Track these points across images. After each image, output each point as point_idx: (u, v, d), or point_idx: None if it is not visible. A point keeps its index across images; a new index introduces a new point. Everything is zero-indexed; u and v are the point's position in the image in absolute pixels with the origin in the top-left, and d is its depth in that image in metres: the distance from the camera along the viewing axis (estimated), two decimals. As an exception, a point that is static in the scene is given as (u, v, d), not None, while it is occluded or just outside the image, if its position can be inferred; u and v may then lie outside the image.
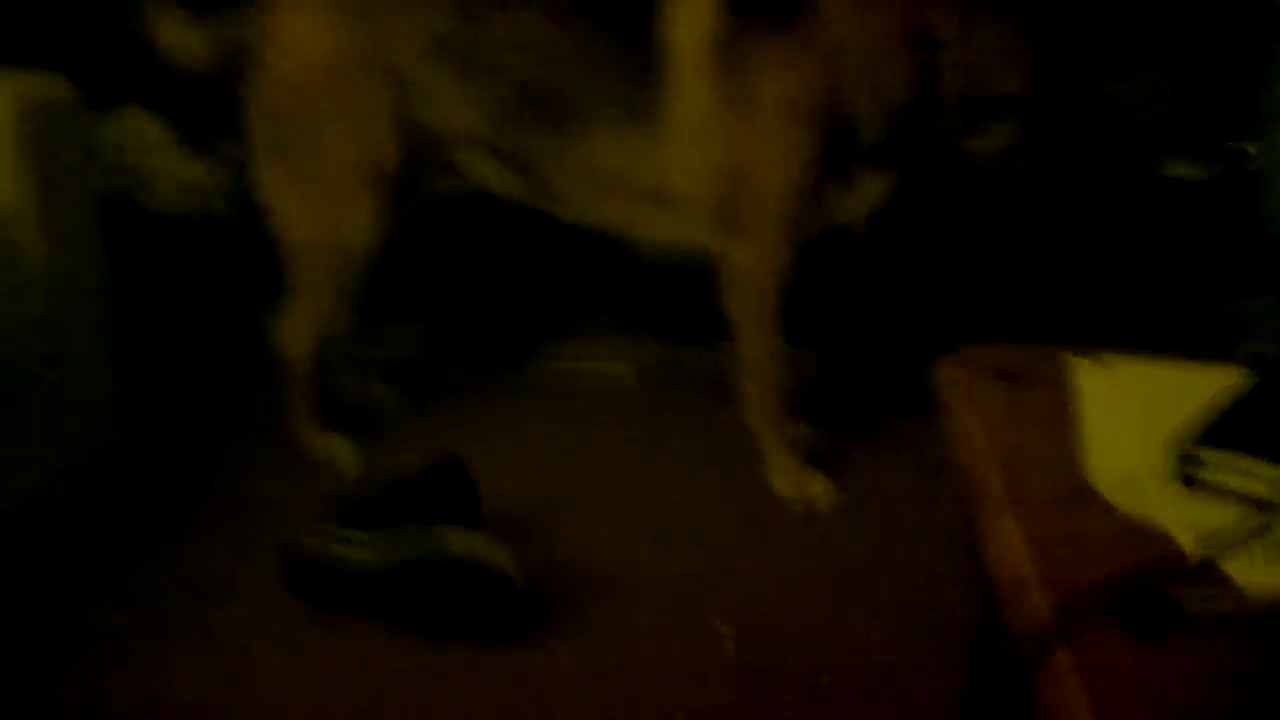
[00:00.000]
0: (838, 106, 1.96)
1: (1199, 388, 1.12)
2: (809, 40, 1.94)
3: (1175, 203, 2.68)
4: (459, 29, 2.02)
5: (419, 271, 2.59)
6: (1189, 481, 1.01)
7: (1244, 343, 2.53)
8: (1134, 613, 0.86)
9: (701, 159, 1.99)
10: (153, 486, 2.14)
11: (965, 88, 1.99)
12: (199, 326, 2.68)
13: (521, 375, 2.63)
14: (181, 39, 2.10)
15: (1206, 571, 0.89)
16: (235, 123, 2.35)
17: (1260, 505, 0.96)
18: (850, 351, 2.62)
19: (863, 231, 2.14)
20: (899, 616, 1.81)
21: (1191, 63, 2.67)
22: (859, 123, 1.98)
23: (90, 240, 2.12)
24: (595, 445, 2.34)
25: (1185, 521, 0.95)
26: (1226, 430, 1.04)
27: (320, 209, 2.09)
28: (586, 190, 2.09)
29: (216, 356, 2.59)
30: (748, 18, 1.96)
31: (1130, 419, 1.12)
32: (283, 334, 2.18)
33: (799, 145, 1.96)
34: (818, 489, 2.13)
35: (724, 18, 1.96)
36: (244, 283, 2.57)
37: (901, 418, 2.38)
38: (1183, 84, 2.67)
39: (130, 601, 1.81)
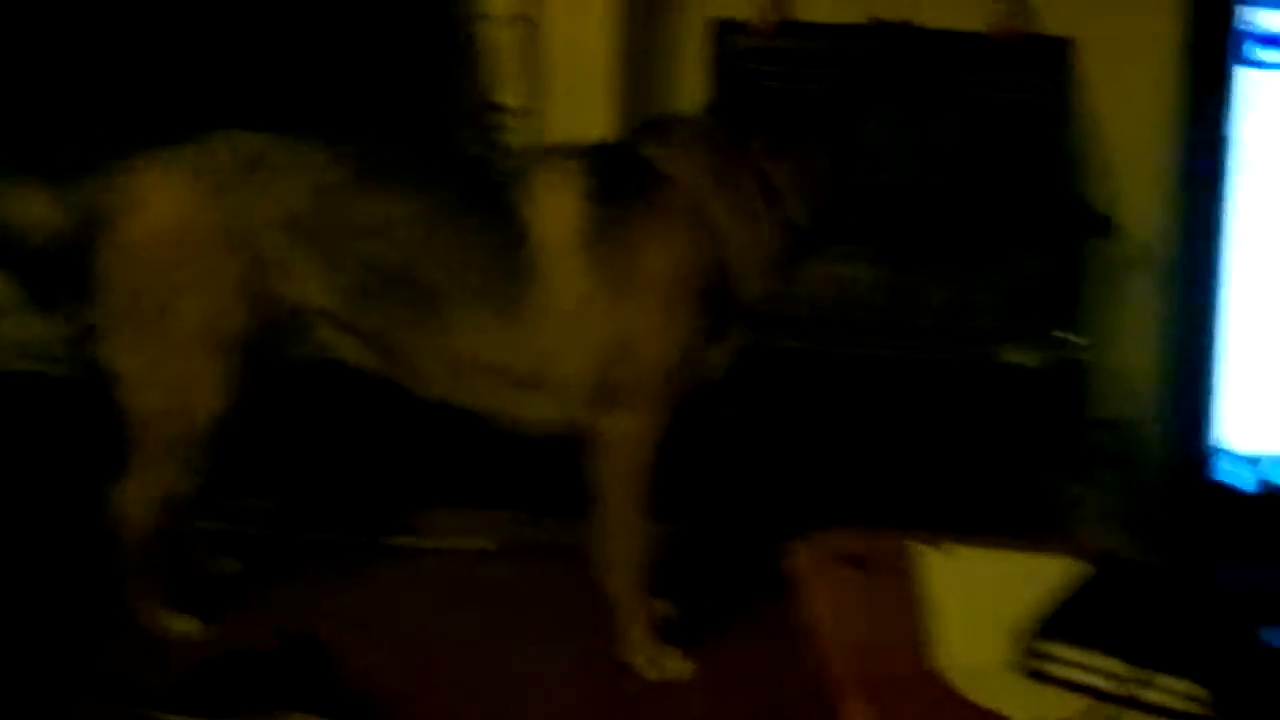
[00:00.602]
0: (714, 271, 2.03)
1: (1041, 576, 1.18)
2: (673, 212, 2.01)
3: (1010, 388, 2.83)
4: (316, 210, 2.04)
5: (270, 442, 2.55)
6: (1035, 674, 1.05)
7: (1072, 523, 2.66)
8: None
9: (578, 343, 2.02)
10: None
11: (810, 223, 2.09)
12: (34, 492, 2.58)
13: (378, 549, 2.58)
14: (37, 212, 2.07)
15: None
16: (81, 284, 2.33)
17: (1102, 697, 1.00)
18: (706, 527, 2.65)
19: (718, 379, 2.17)
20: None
21: (1020, 258, 2.87)
22: (737, 282, 2.05)
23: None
24: (454, 620, 2.31)
25: (1031, 714, 0.99)
26: (1068, 623, 1.10)
27: (167, 376, 2.06)
28: (450, 375, 2.10)
29: (53, 524, 2.49)
30: (611, 201, 2.02)
31: (975, 608, 1.18)
32: (123, 503, 2.11)
33: (681, 317, 2.01)
34: (674, 664, 2.13)
35: (587, 204, 2.02)
36: (84, 448, 2.50)
37: (756, 594, 2.41)
38: (1014, 277, 2.86)
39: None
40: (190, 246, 2.03)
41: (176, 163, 2.07)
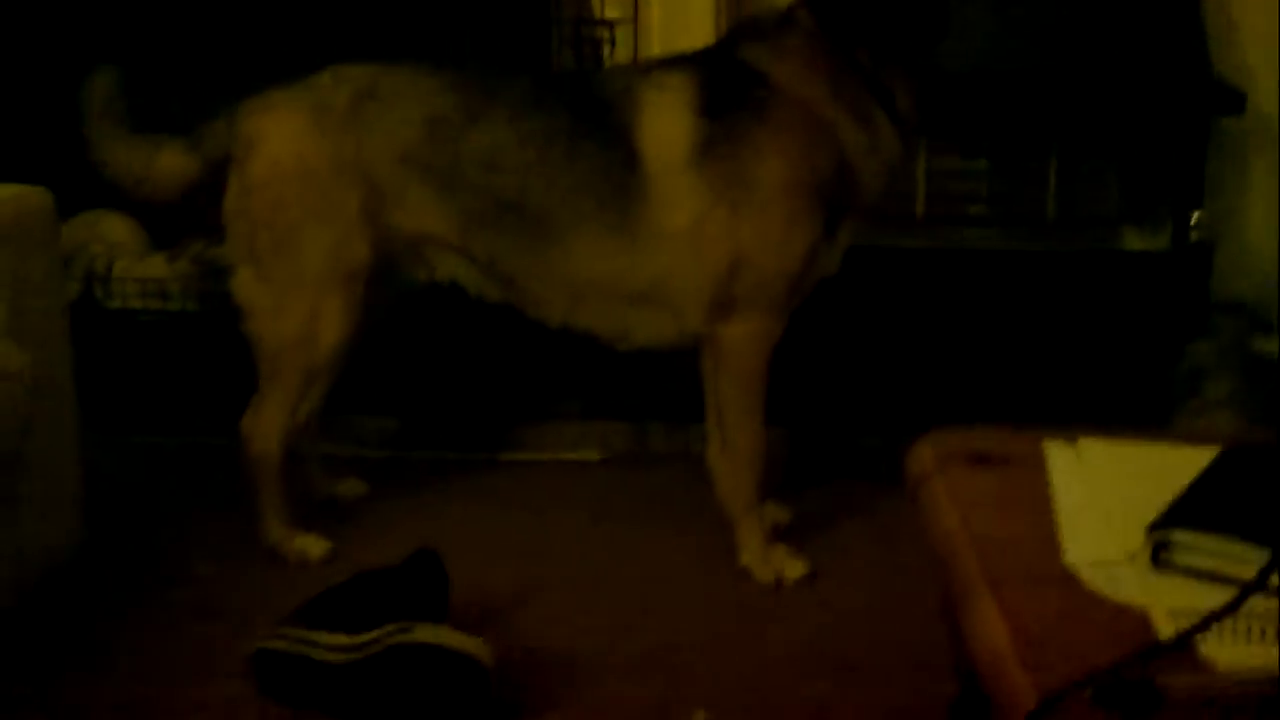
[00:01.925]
0: (830, 175, 1.99)
1: (1171, 467, 1.14)
2: (784, 120, 1.98)
3: (1134, 274, 2.73)
4: (427, 141, 2.06)
5: (387, 364, 2.60)
6: (1163, 563, 1.02)
7: (1196, 407, 2.57)
8: (1115, 695, 0.86)
9: (696, 259, 2.01)
10: (122, 587, 2.11)
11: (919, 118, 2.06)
12: (166, 425, 2.67)
13: (491, 463, 2.63)
14: (175, 165, 2.16)
15: (1185, 652, 0.90)
16: (202, 222, 2.38)
17: (1233, 584, 0.97)
18: (817, 425, 2.63)
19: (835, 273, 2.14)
20: (877, 692, 1.80)
21: (1137, 137, 2.75)
22: (853, 184, 2.02)
23: (62, 343, 2.13)
24: (565, 530, 2.34)
25: (1162, 603, 0.96)
26: (1196, 510, 1.06)
27: (294, 307, 2.11)
28: (569, 299, 2.11)
29: (185, 455, 2.58)
30: (720, 114, 1.99)
31: (1104, 501, 1.14)
32: (253, 430, 2.17)
33: (801, 226, 2.00)
34: (790, 566, 2.13)
35: (696, 120, 2.00)
36: (212, 381, 2.57)
37: (869, 489, 2.40)
38: (1130, 158, 2.75)
39: (100, 709, 1.77)
40: (309, 182, 2.08)
41: (291, 101, 2.11)
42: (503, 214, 2.06)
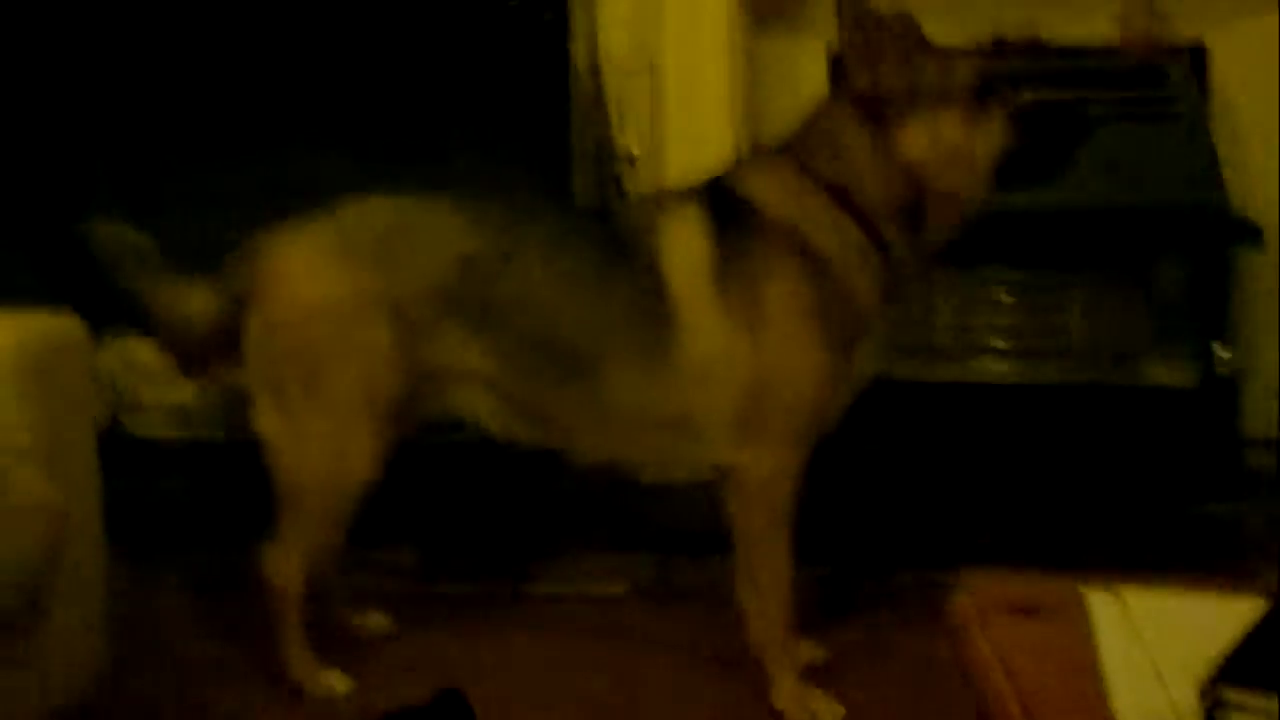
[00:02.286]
0: (831, 297, 1.99)
1: (1220, 617, 1.12)
2: (777, 245, 1.99)
3: (1160, 409, 2.73)
4: (461, 280, 2.07)
5: (411, 494, 2.59)
6: (1217, 723, 1.00)
7: (1234, 549, 2.54)
8: None
9: (721, 383, 2.01)
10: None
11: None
12: (188, 555, 2.66)
13: (515, 596, 2.60)
14: (199, 305, 2.15)
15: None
16: (228, 351, 2.39)
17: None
18: (852, 566, 2.61)
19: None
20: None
21: (1159, 271, 2.77)
22: (855, 310, 2.01)
23: (90, 472, 2.12)
24: (590, 668, 2.28)
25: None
26: (1248, 665, 1.04)
27: (320, 445, 2.10)
28: (600, 431, 2.11)
29: (208, 586, 2.56)
30: (735, 236, 2.01)
31: (1151, 655, 1.12)
32: (275, 565, 2.15)
33: (814, 349, 1.99)
34: (825, 709, 2.08)
35: (711, 246, 2.01)
36: (234, 511, 2.57)
37: (900, 627, 2.36)
38: (1161, 291, 2.77)
39: None
40: (336, 319, 2.07)
41: (317, 235, 2.12)
42: (536, 351, 2.07)
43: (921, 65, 1.95)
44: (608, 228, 2.16)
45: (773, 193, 2.01)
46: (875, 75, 1.94)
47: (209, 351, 2.20)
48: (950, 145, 1.96)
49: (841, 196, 1.99)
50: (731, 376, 2.00)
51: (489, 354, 2.09)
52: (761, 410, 2.01)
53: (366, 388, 2.09)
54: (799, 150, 2.03)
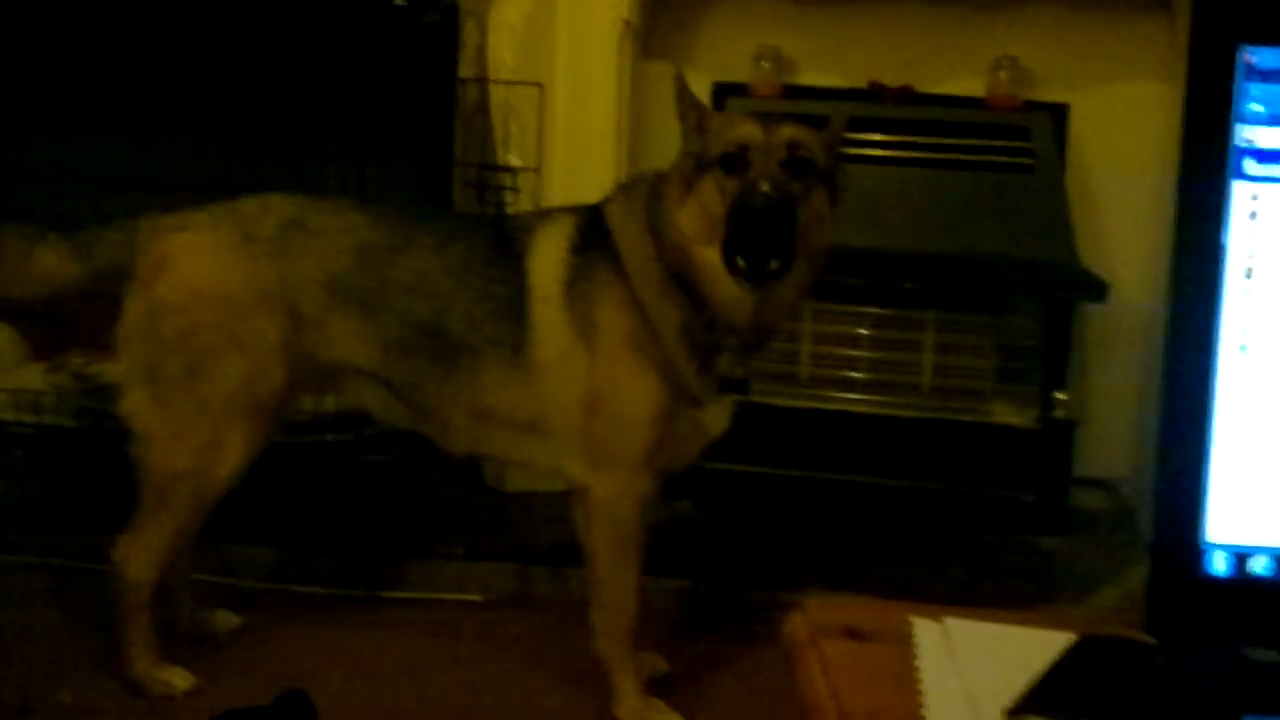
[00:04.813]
0: (671, 337, 2.01)
1: (1033, 650, 1.19)
2: (616, 271, 2.03)
3: (1001, 447, 2.86)
4: (358, 269, 2.09)
5: (268, 492, 2.57)
6: (1017, 749, 1.07)
7: (1060, 583, 2.67)
8: None
9: (565, 389, 2.06)
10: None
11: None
12: (32, 543, 2.59)
13: (371, 600, 2.59)
14: (51, 263, 2.10)
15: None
16: (86, 337, 2.34)
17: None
18: (699, 581, 2.66)
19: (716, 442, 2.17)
20: None
21: (1010, 317, 2.91)
22: (671, 351, 2.03)
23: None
24: (440, 672, 2.31)
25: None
26: (1052, 694, 1.11)
27: (195, 437, 2.07)
28: (473, 423, 2.14)
29: (48, 577, 2.50)
30: (591, 256, 2.06)
31: (967, 681, 1.19)
32: (129, 556, 2.10)
33: (641, 371, 2.02)
34: (664, 719, 2.13)
35: (569, 257, 2.07)
36: (85, 501, 2.51)
37: (748, 642, 2.42)
38: (1008, 338, 2.90)
39: None
40: (230, 309, 2.06)
41: (215, 224, 2.10)
42: (422, 339, 2.09)
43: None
44: (499, 229, 2.21)
45: (620, 222, 2.06)
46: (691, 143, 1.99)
47: (61, 324, 2.14)
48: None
49: (657, 243, 2.01)
50: (572, 385, 2.05)
51: (375, 344, 2.10)
52: (602, 428, 2.05)
53: (250, 382, 2.08)
54: (656, 188, 2.05)
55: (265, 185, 2.21)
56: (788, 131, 1.92)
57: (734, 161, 1.91)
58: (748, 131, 1.92)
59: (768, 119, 1.97)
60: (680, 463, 2.16)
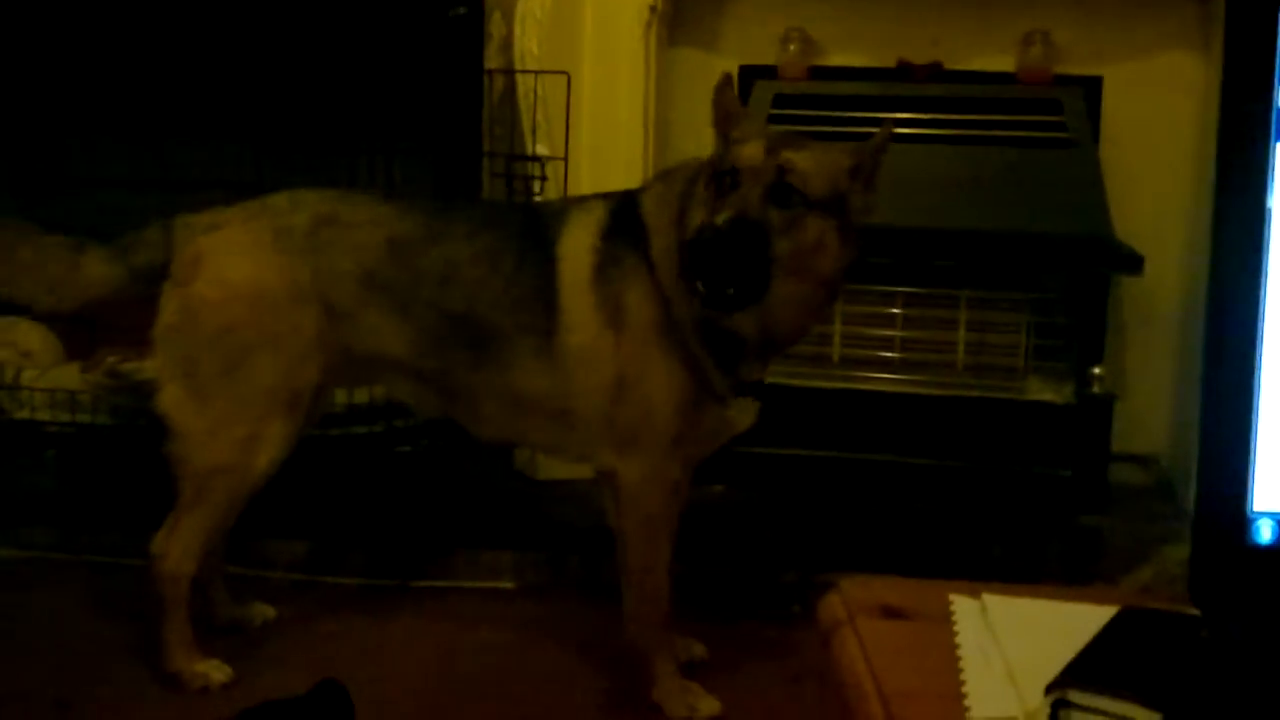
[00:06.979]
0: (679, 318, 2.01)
1: (1074, 624, 1.17)
2: (644, 260, 2.03)
3: (1037, 424, 2.82)
4: (391, 262, 2.10)
5: (306, 486, 2.57)
6: (1060, 722, 1.05)
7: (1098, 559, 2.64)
8: None
9: (593, 377, 2.05)
10: (16, 712, 2.04)
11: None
12: (69, 540, 2.61)
13: (403, 590, 2.59)
14: (96, 271, 2.13)
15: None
16: (120, 335, 2.35)
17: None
18: (735, 561, 2.65)
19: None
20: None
21: (1045, 293, 2.87)
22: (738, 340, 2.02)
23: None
24: (474, 661, 2.31)
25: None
26: (1094, 669, 1.09)
27: (233, 432, 2.09)
28: (504, 410, 2.14)
29: (90, 575, 2.51)
30: (621, 243, 2.06)
31: (1007, 657, 1.17)
32: (167, 550, 2.11)
33: (665, 358, 2.02)
34: (702, 703, 2.12)
35: (600, 244, 2.06)
36: (121, 497, 2.53)
37: (784, 626, 2.41)
38: (1042, 314, 2.86)
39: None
40: (265, 304, 2.08)
41: (248, 221, 2.12)
42: (454, 328, 2.09)
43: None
44: (527, 217, 2.21)
45: (653, 210, 2.06)
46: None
47: (97, 329, 2.16)
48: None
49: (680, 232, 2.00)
50: (600, 370, 2.05)
51: (407, 335, 2.11)
52: (628, 414, 2.05)
53: (286, 377, 2.09)
54: (693, 178, 2.03)
55: (296, 181, 2.23)
56: (786, 156, 1.89)
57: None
58: (748, 154, 1.90)
59: (782, 139, 1.95)
60: (707, 452, 2.16)
